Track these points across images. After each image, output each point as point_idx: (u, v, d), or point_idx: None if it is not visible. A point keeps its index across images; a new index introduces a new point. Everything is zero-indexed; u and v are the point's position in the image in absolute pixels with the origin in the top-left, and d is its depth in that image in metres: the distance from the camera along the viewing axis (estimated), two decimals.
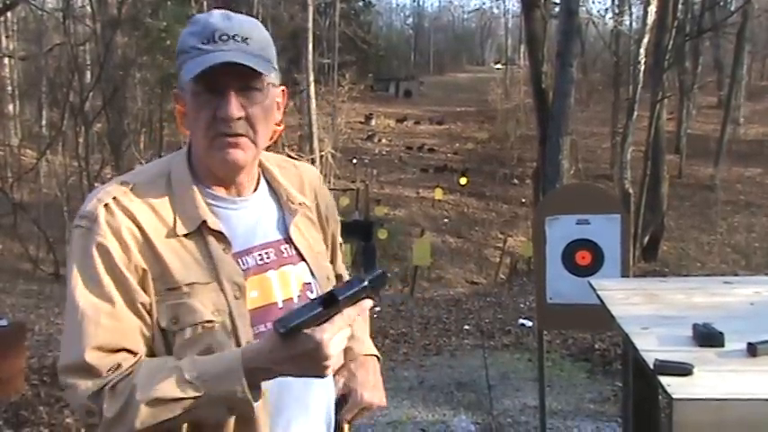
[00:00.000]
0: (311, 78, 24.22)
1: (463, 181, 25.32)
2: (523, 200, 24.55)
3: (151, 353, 1.26)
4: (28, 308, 9.59)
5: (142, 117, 20.72)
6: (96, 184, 17.22)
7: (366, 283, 1.17)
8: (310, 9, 24.15)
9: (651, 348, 1.74)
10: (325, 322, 1.13)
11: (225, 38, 1.26)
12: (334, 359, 1.16)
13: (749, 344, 1.69)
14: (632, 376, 3.34)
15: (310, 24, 23.93)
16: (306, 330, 1.12)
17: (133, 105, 20.59)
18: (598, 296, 2.25)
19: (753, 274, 8.40)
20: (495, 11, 54.61)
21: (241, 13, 1.39)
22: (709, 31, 19.77)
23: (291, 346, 1.13)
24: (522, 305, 8.91)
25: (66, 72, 18.14)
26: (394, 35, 55.54)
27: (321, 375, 1.18)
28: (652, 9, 14.33)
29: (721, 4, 21.77)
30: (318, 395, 1.40)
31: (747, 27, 25.28)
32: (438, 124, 34.85)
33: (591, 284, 2.39)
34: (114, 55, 17.92)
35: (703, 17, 18.90)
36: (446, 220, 24.88)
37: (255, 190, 1.40)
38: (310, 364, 1.16)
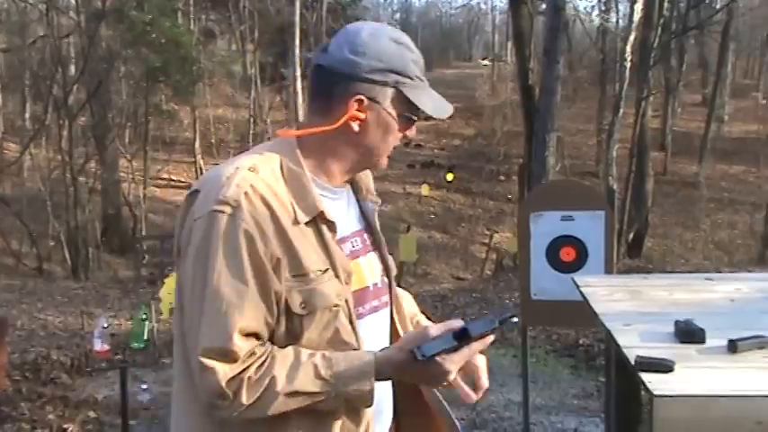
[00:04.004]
0: (298, 73, 24.12)
1: (450, 177, 25.31)
2: (509, 196, 24.58)
3: (271, 338, 1.33)
4: (10, 303, 9.50)
5: (127, 111, 20.53)
6: (81, 179, 17.18)
7: (497, 324, 1.32)
8: (297, 3, 24.05)
9: (633, 345, 1.74)
10: (454, 352, 1.29)
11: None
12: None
13: (730, 340, 1.69)
14: (614, 372, 3.35)
15: (297, 19, 23.84)
16: (438, 358, 1.28)
17: (117, 99, 20.41)
18: (581, 292, 2.25)
19: (735, 271, 8.47)
20: (483, 7, 54.56)
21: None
22: (695, 29, 19.86)
23: (423, 368, 1.30)
24: (507, 301, 8.94)
25: (50, 65, 17.97)
26: None
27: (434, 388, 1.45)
28: (638, 7, 14.34)
29: (706, 2, 21.86)
30: None
31: (732, 25, 25.43)
32: (425, 120, 34.60)
33: (574, 281, 2.39)
34: (98, 48, 17.73)
35: (688, 15, 18.99)
36: (432, 215, 24.89)
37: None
38: (431, 382, 1.39)
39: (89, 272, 16.08)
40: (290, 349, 1.31)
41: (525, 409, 3.78)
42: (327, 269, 1.35)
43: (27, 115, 22.88)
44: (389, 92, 1.40)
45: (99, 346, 4.64)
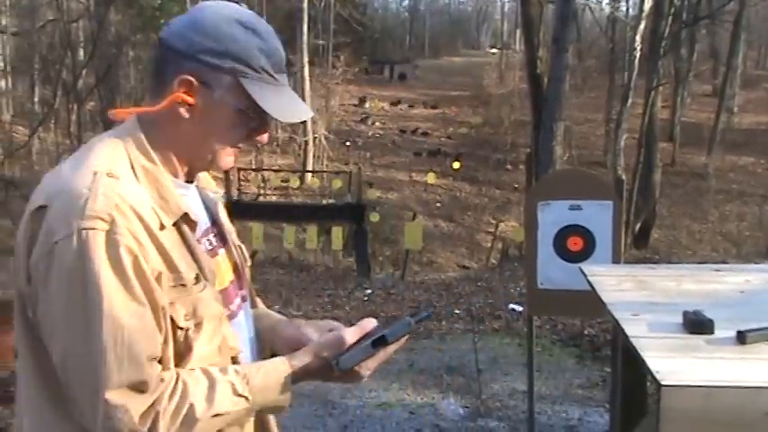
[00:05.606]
0: (305, 60, 24.11)
1: (456, 165, 25.28)
2: (516, 185, 24.54)
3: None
4: None
5: (135, 96, 20.55)
6: None
7: (413, 325, 1.35)
8: None
9: (641, 335, 1.74)
10: (371, 358, 1.33)
11: (285, 70, 1.32)
12: None
13: (739, 332, 1.69)
14: (621, 362, 3.35)
15: (305, 5, 23.78)
16: (356, 367, 1.32)
17: (126, 84, 20.45)
18: (589, 282, 2.25)
19: (743, 263, 8.44)
20: None
21: None
22: (706, 19, 19.71)
23: (340, 376, 1.32)
24: (512, 290, 8.93)
25: (59, 49, 17.98)
26: (389, 17, 55.23)
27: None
28: None
29: None
30: None
31: (744, 15, 25.22)
32: (432, 108, 34.76)
33: (582, 270, 2.38)
34: (107, 32, 17.75)
35: (700, 4, 18.84)
36: (438, 204, 24.88)
37: None
38: (345, 383, 1.42)
39: None
40: (198, 371, 1.21)
41: (530, 398, 3.78)
42: (198, 274, 1.24)
43: (36, 99, 22.91)
44: (226, 80, 1.24)
45: None
